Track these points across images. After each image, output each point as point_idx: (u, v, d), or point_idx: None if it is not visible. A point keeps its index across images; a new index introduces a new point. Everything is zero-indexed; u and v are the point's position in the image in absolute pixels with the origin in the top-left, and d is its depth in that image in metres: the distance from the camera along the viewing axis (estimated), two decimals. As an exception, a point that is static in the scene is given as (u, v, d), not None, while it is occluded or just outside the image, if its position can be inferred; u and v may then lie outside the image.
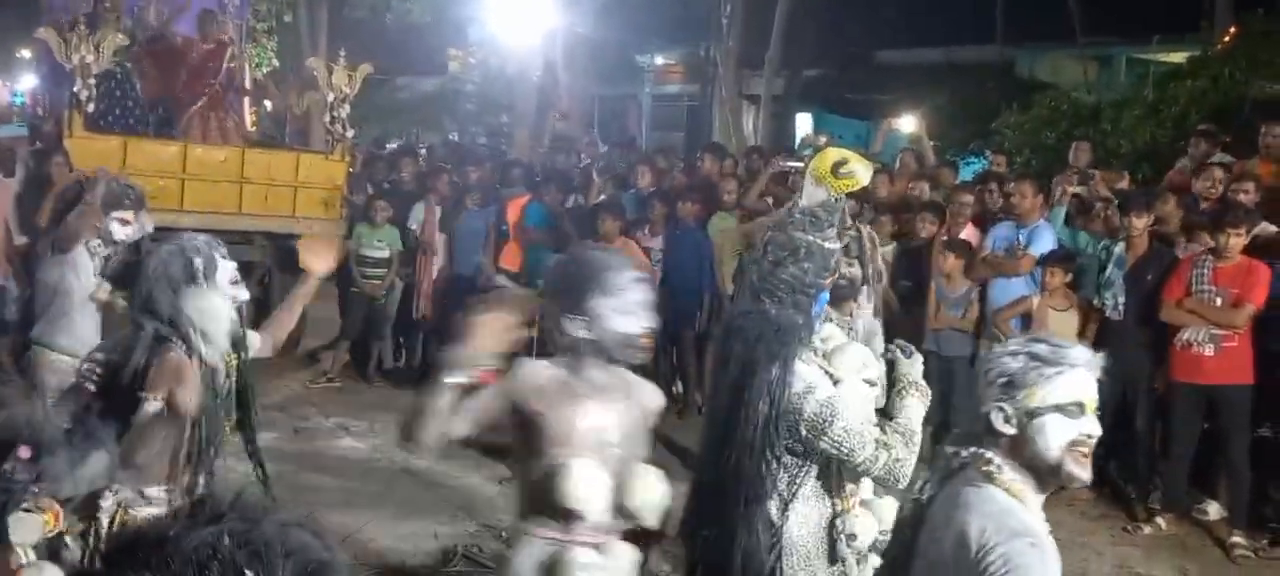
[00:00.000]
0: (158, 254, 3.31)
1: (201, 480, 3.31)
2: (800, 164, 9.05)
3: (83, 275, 5.08)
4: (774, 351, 2.79)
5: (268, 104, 11.60)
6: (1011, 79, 15.49)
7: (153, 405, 3.11)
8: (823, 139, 11.04)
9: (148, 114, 9.29)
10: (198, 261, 3.24)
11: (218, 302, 3.26)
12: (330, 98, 8.92)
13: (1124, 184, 7.95)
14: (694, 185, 9.04)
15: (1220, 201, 6.71)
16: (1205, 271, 6.07)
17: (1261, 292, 5.95)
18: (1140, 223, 6.45)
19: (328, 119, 9.04)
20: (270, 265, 8.94)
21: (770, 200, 8.17)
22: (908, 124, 10.90)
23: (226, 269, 3.31)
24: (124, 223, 5.09)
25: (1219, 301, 6.00)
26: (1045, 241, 6.94)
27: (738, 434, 2.78)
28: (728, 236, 8.09)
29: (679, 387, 8.21)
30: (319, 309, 9.22)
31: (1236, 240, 6.00)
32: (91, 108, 8.20)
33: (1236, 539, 5.97)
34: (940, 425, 7.15)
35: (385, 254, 8.88)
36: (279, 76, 10.60)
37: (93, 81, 8.06)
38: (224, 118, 9.29)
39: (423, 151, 13.30)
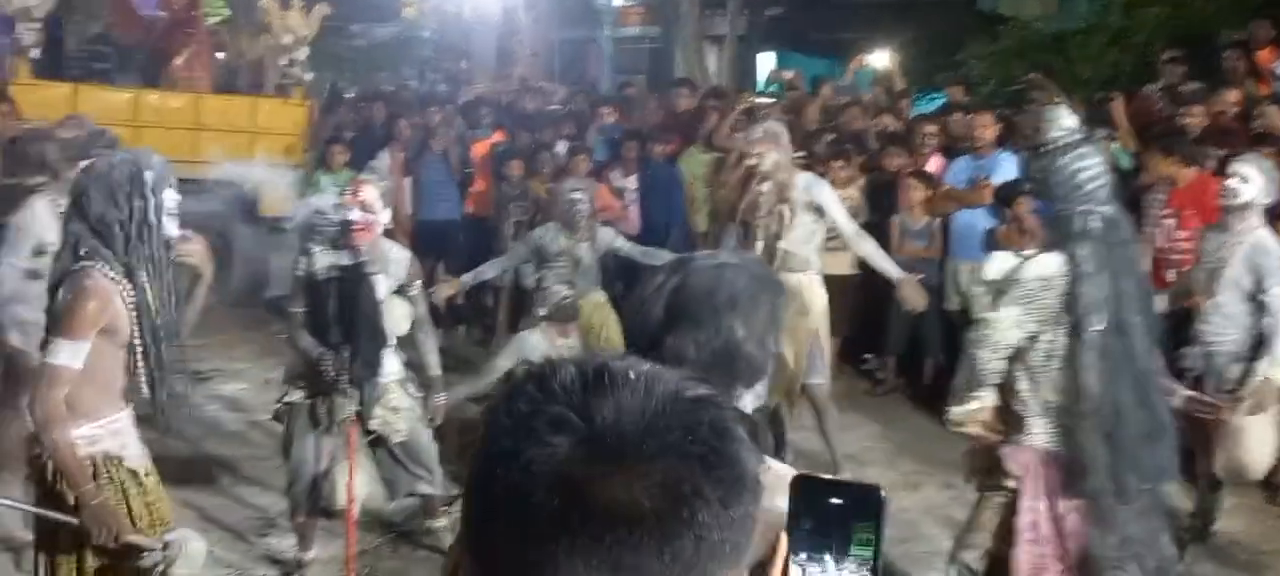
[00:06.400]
0: (106, 159, 2.99)
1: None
2: (769, 99, 8.96)
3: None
4: None
5: (220, 54, 11.35)
6: (973, 13, 15.39)
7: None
8: (788, 75, 10.93)
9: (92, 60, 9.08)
10: (148, 175, 2.92)
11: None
12: (286, 39, 8.69)
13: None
14: (666, 123, 8.94)
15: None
16: (1159, 196, 6.08)
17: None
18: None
19: (284, 62, 8.82)
20: (230, 215, 8.76)
21: (741, 137, 8.08)
22: (879, 60, 10.82)
23: (172, 197, 3.01)
24: None
25: (1172, 223, 5.99)
26: (1006, 171, 6.92)
27: None
28: (699, 174, 8.05)
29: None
30: (285, 257, 9.03)
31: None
32: (35, 54, 7.96)
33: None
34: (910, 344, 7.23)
35: (345, 199, 8.70)
36: (230, 24, 10.32)
37: (36, 26, 7.81)
38: (205, 66, 9.16)
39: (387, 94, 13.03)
